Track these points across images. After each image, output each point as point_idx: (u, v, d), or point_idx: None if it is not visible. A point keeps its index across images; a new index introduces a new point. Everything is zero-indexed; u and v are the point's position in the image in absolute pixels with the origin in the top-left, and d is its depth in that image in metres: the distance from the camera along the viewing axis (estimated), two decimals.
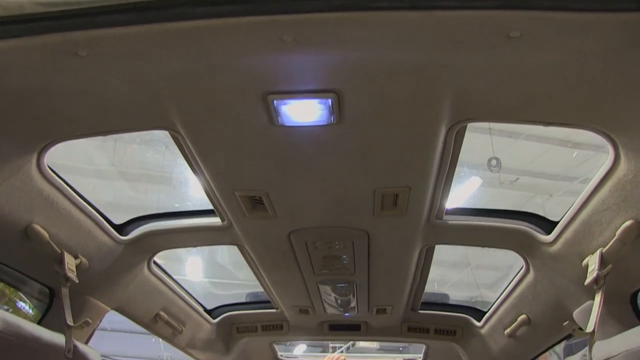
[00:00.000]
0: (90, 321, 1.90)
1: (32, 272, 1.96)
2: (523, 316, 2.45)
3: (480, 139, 8.86)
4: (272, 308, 3.15)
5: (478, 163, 9.45)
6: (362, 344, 12.13)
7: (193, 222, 2.14)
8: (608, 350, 1.47)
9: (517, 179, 10.71)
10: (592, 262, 1.69)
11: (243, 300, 3.42)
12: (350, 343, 13.49)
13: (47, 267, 1.84)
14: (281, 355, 4.21)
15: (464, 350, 3.29)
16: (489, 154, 9.29)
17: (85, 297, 2.13)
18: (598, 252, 1.66)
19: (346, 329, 3.31)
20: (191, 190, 9.19)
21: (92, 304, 2.18)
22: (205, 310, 3.18)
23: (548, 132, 9.74)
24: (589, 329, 1.61)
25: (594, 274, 1.64)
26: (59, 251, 1.81)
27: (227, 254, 12.09)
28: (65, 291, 1.82)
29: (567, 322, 1.74)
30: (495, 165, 9.02)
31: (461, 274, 13.29)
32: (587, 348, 1.60)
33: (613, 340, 1.49)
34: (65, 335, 1.72)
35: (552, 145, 10.08)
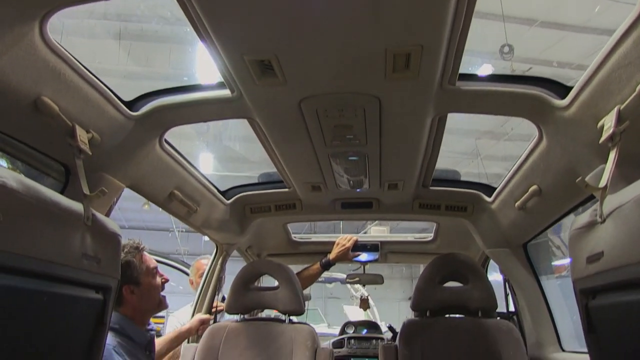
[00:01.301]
0: (107, 191, 1.93)
1: (45, 147, 1.97)
2: (534, 187, 2.46)
3: (492, 26, 8.59)
4: (285, 187, 3.20)
5: (490, 51, 9.23)
6: (372, 234, 12.50)
7: (203, 95, 2.12)
8: (618, 200, 1.48)
9: (530, 68, 10.47)
10: (608, 121, 1.66)
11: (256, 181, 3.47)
12: (363, 232, 13.97)
13: (60, 143, 1.85)
14: (294, 236, 4.34)
15: (475, 226, 3.36)
16: (501, 41, 9.04)
17: (99, 174, 2.17)
18: (615, 109, 1.62)
19: (358, 207, 3.38)
20: None
21: (107, 181, 2.22)
22: (219, 191, 3.24)
23: (564, 18, 9.41)
24: (602, 184, 1.62)
25: (610, 131, 1.62)
26: (70, 124, 1.81)
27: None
28: (79, 162, 1.84)
29: (579, 178, 1.74)
30: (508, 52, 8.80)
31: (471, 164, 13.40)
32: (597, 203, 1.62)
33: (623, 191, 1.50)
34: (83, 204, 1.75)
35: (568, 33, 9.77)
